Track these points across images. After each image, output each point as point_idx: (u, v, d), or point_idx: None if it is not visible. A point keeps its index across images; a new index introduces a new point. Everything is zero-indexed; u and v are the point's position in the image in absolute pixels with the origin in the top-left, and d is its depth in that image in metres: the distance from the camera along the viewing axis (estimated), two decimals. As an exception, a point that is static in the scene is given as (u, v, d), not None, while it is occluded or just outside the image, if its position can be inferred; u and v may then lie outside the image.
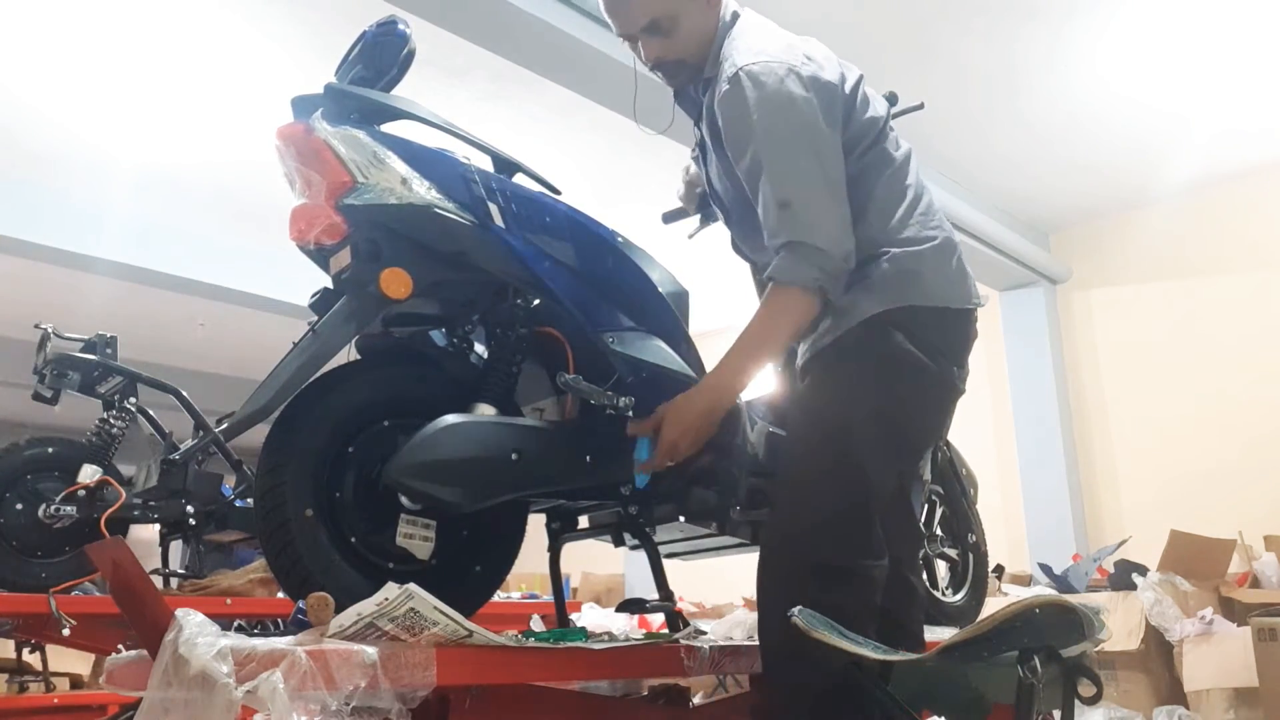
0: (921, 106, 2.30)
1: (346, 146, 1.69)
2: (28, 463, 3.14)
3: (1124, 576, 4.30)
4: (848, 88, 1.88)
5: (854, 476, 1.74)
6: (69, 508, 3.05)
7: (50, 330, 3.30)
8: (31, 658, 4.36)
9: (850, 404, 1.78)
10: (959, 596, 2.60)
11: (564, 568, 2.23)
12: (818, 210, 1.76)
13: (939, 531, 2.58)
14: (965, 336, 1.90)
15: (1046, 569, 4.79)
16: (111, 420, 3.25)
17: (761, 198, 1.81)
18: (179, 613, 1.33)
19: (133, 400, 3.30)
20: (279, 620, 2.54)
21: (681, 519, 2.00)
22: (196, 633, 1.29)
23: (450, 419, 1.70)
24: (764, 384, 2.11)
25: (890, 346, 1.79)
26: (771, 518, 1.93)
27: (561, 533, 2.16)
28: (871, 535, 1.75)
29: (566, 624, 2.21)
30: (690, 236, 2.47)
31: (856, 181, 1.84)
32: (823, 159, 1.78)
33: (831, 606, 1.58)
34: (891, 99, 2.09)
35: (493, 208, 1.80)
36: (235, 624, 2.07)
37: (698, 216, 2.43)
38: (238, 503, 3.22)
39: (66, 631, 2.79)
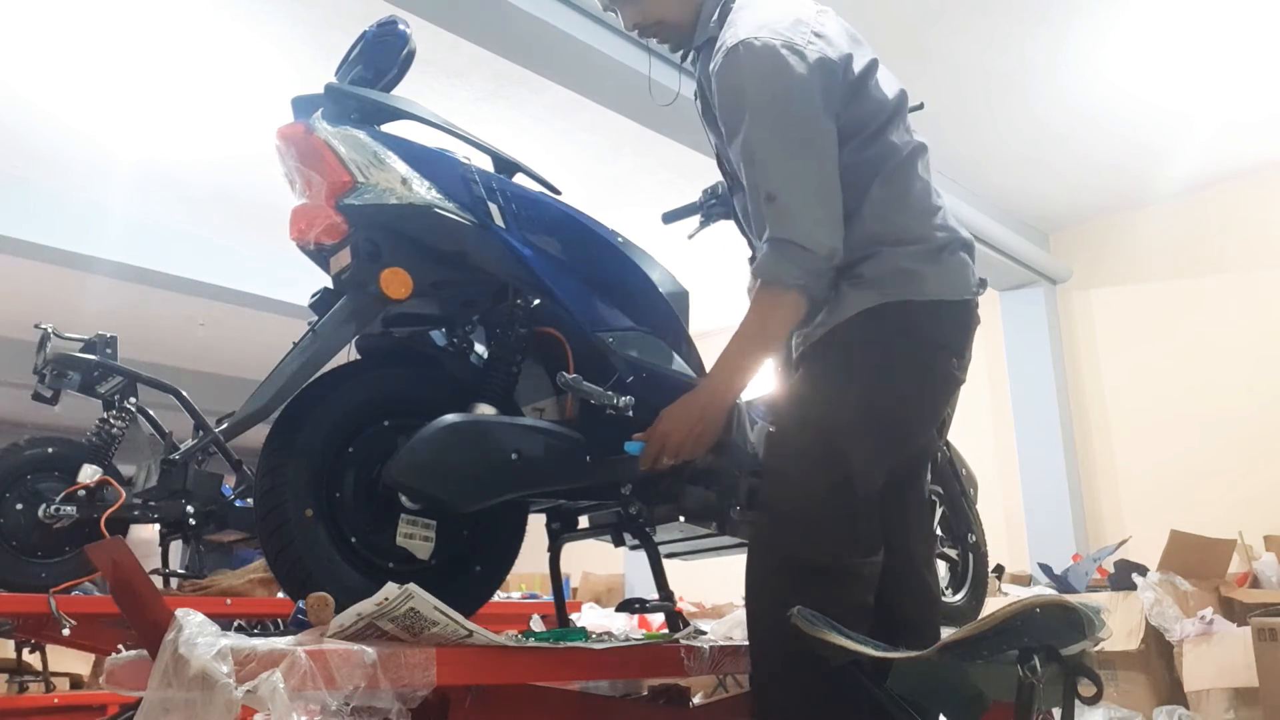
0: (921, 106, 2.29)
1: (347, 146, 1.69)
2: (28, 463, 3.13)
3: (1124, 576, 4.30)
4: (856, 69, 1.81)
5: (837, 470, 1.69)
6: (69, 508, 3.04)
7: (50, 330, 3.29)
8: (31, 658, 4.37)
9: (836, 397, 1.75)
10: (959, 596, 2.60)
11: (564, 568, 2.23)
12: (804, 206, 1.72)
13: (939, 531, 2.58)
14: (963, 326, 1.85)
15: (1046, 569, 4.79)
16: (111, 420, 3.24)
17: (749, 184, 1.80)
18: (179, 613, 1.33)
19: (133, 400, 3.29)
20: (279, 620, 2.54)
21: (681, 519, 1.99)
22: (196, 633, 1.29)
23: (450, 419, 1.70)
24: (764, 383, 2.10)
25: (882, 340, 1.76)
26: (756, 514, 1.90)
27: (561, 533, 2.16)
28: (858, 531, 1.70)
29: (566, 624, 2.21)
30: (690, 236, 2.47)
31: (854, 171, 1.77)
32: (815, 151, 1.74)
33: (816, 605, 1.53)
34: None
35: (493, 208, 1.81)
36: (235, 624, 2.07)
37: (698, 216, 2.43)
38: (238, 503, 3.21)
39: (66, 631, 2.78)
